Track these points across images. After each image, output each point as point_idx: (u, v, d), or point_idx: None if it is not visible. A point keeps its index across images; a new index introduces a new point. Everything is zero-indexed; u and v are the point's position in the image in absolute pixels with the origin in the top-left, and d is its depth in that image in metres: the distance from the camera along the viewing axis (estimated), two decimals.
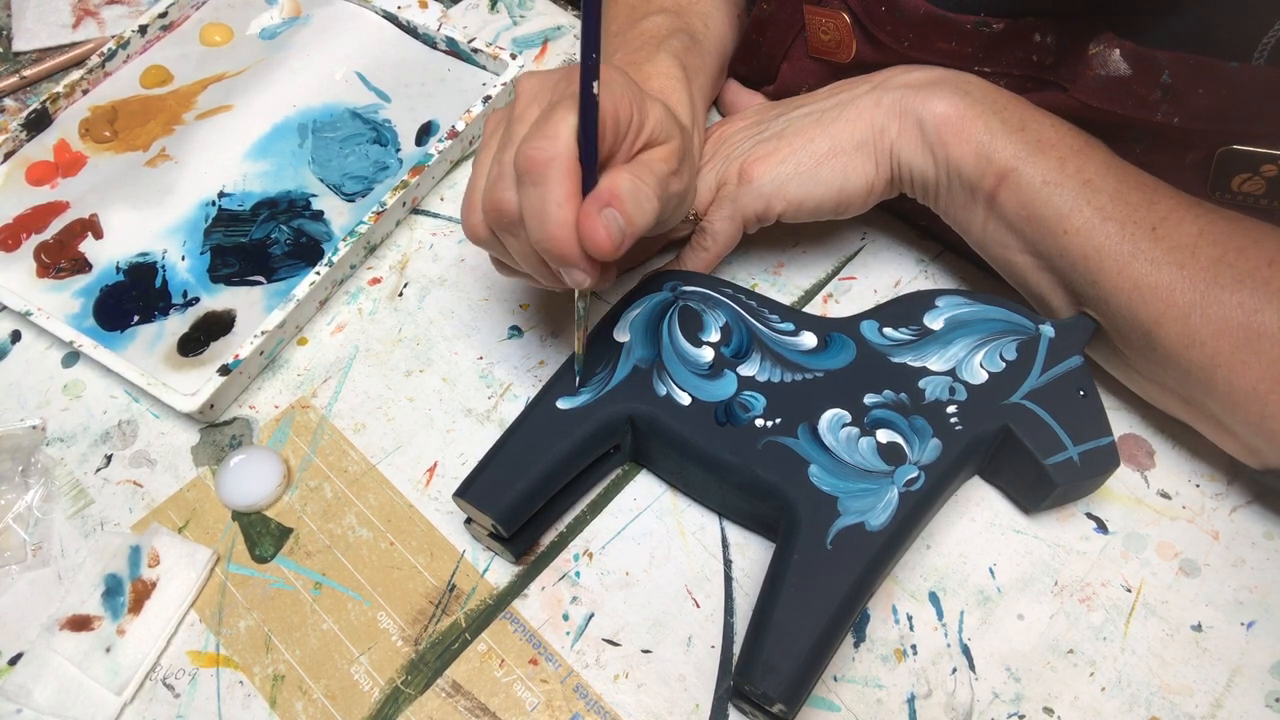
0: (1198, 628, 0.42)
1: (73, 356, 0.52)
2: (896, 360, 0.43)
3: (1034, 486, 0.43)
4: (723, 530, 0.45)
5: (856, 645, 0.42)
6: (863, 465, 0.40)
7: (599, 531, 0.45)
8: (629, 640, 0.43)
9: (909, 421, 0.41)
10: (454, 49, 0.60)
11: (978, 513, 0.45)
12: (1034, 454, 0.41)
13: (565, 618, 0.43)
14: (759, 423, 0.42)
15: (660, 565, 0.44)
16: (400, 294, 0.53)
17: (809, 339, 0.44)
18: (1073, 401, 0.41)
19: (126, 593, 0.44)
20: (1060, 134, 0.42)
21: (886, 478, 0.40)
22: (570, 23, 0.63)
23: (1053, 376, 0.42)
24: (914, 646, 0.42)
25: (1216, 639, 0.41)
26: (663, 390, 0.43)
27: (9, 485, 0.47)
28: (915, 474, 0.40)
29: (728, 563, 0.44)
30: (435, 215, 0.56)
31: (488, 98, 0.56)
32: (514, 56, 0.58)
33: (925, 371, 0.43)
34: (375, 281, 0.53)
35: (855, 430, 0.41)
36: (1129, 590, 0.43)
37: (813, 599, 0.38)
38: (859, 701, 0.41)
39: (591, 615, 0.43)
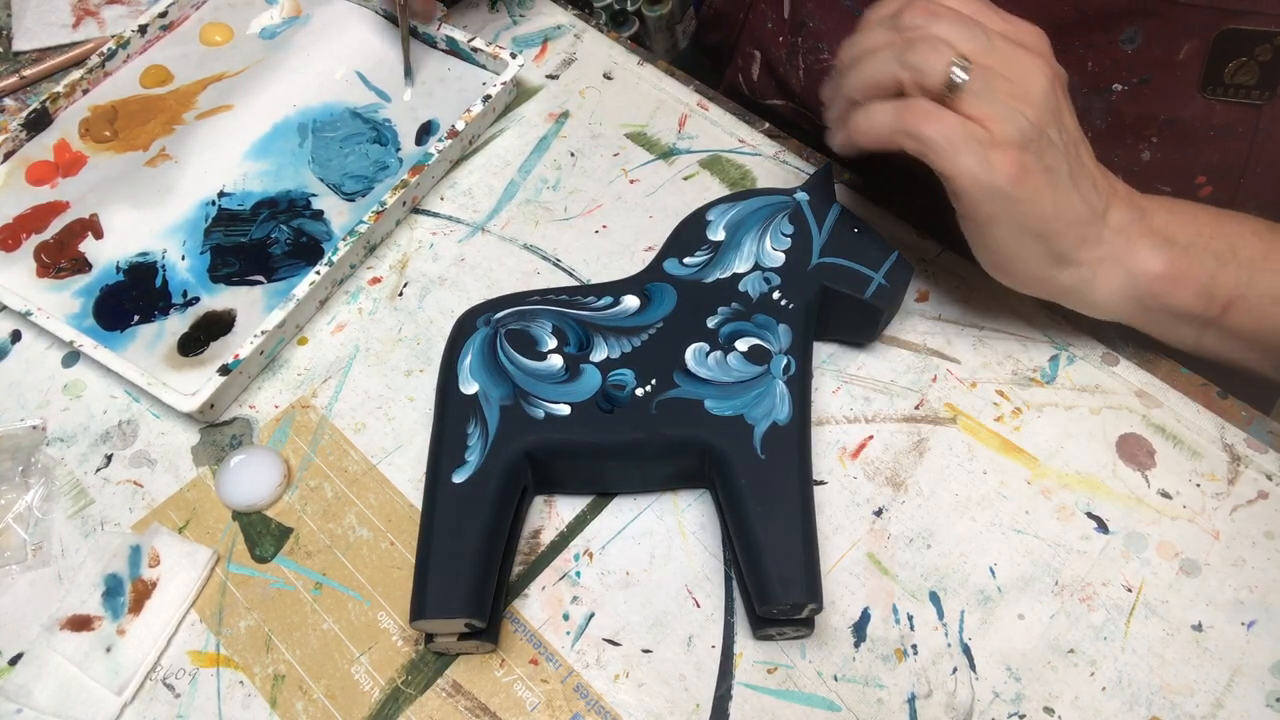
0: (1198, 627, 0.42)
1: (73, 356, 0.52)
2: (710, 280, 0.46)
3: (863, 322, 0.47)
4: (723, 530, 0.45)
5: (857, 645, 0.42)
6: (743, 378, 0.43)
7: (599, 531, 0.45)
8: (629, 640, 0.43)
9: (753, 322, 0.44)
10: (454, 48, 0.60)
11: (978, 512, 0.45)
12: (852, 295, 0.45)
13: (566, 617, 0.43)
14: (639, 392, 0.43)
15: (660, 565, 0.44)
16: (400, 293, 0.53)
17: (632, 301, 0.46)
18: (855, 239, 0.46)
19: (127, 593, 0.44)
20: (1264, 240, 0.42)
21: (768, 376, 0.43)
22: (570, 22, 0.63)
23: (829, 229, 0.46)
24: (914, 646, 0.42)
25: (1217, 639, 0.41)
26: (540, 414, 0.43)
27: (9, 485, 0.47)
28: (785, 360, 0.43)
29: (728, 562, 0.44)
30: (435, 215, 0.56)
31: (487, 97, 0.56)
32: (514, 56, 0.58)
33: (737, 277, 0.46)
34: (375, 281, 0.53)
35: (720, 353, 0.44)
36: (1129, 590, 0.43)
37: (779, 504, 0.40)
38: (860, 701, 0.41)
39: (592, 615, 0.43)
